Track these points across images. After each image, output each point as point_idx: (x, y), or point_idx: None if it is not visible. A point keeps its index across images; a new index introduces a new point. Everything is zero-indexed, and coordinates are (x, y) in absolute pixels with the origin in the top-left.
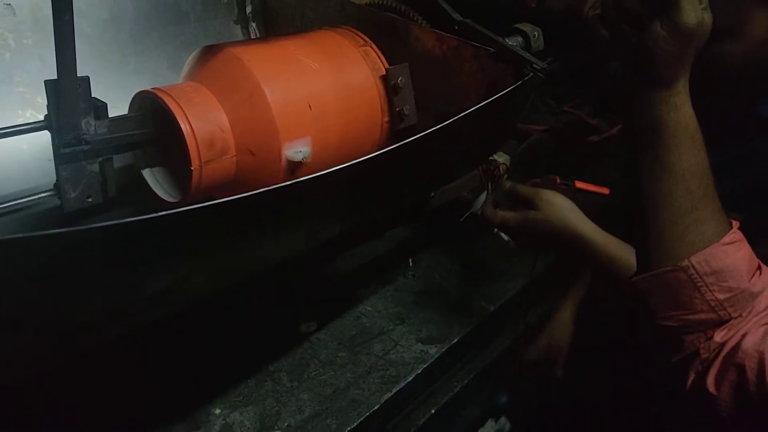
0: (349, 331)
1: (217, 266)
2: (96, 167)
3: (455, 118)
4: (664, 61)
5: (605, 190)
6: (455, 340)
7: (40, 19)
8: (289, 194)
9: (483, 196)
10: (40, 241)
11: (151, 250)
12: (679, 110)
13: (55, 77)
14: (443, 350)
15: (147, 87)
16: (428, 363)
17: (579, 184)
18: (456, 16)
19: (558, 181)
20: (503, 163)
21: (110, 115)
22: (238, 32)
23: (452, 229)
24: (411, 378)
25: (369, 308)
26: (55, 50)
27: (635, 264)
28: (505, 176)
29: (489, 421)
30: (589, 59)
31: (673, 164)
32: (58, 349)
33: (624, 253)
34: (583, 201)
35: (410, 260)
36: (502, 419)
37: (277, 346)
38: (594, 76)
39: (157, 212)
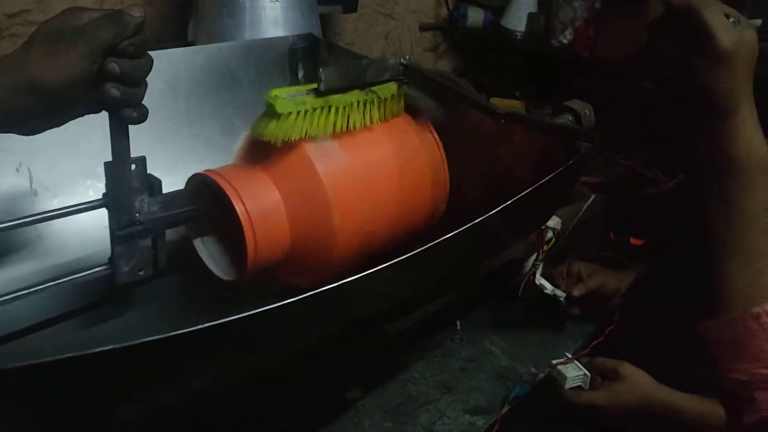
0: (394, 399)
1: (268, 357)
2: (148, 242)
3: (515, 198)
4: (716, 91)
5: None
6: (503, 411)
7: None
8: (354, 287)
9: (532, 259)
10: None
11: (216, 350)
12: (749, 141)
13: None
14: (491, 422)
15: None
16: None
17: (634, 241)
18: (499, 110)
19: (613, 237)
20: (553, 228)
21: (163, 181)
22: None
23: (502, 290)
24: None
25: (416, 375)
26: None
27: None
28: (554, 240)
29: None
30: (643, 116)
31: (746, 202)
32: None
33: (708, 406)
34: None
35: (458, 323)
36: None
37: (320, 412)
38: (651, 130)
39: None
